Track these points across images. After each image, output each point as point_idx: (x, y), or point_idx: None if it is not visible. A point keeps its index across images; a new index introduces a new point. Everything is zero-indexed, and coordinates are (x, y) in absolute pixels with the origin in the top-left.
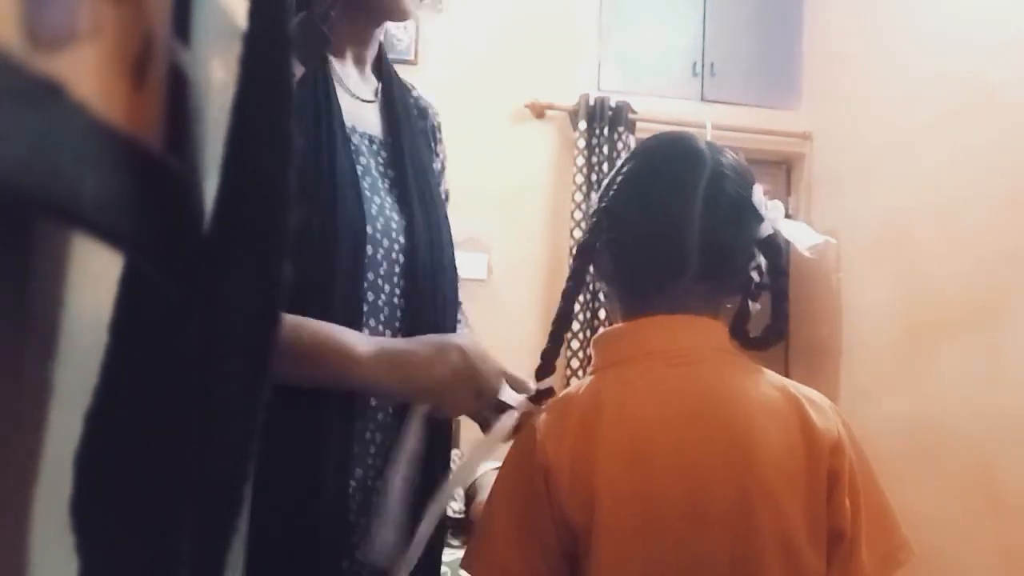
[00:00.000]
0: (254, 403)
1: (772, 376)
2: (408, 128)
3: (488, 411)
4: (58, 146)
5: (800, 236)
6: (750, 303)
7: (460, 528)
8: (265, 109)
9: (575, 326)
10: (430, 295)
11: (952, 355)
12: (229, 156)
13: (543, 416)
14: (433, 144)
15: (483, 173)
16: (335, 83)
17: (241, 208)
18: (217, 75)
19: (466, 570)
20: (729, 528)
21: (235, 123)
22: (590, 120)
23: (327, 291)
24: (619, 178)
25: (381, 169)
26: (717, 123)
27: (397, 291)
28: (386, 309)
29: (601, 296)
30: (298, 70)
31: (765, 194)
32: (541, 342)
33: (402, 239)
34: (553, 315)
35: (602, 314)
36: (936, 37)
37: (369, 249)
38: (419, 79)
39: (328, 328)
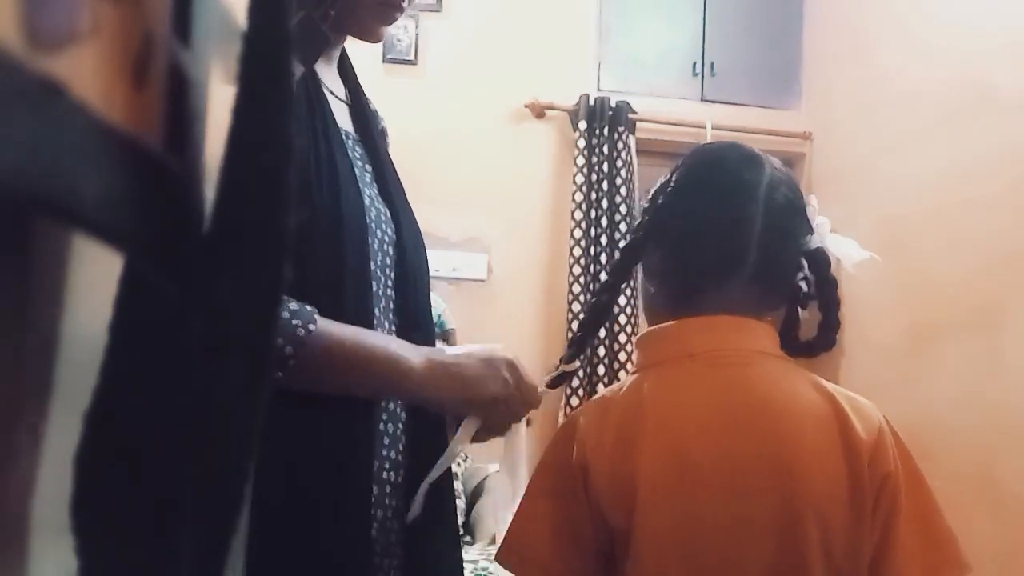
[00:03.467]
0: (254, 403)
1: (818, 380)
2: (375, 128)
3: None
4: (58, 146)
5: (847, 252)
6: (799, 310)
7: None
8: (265, 109)
9: (575, 326)
10: (416, 286)
11: (952, 355)
12: (229, 156)
13: (583, 413)
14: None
15: (483, 173)
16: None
17: (241, 208)
18: (217, 75)
19: (501, 564)
20: (772, 537)
21: (235, 123)
22: (590, 120)
23: (338, 283)
24: (675, 178)
25: (360, 164)
26: (717, 123)
27: (390, 282)
28: (383, 300)
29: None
30: (298, 70)
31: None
32: (541, 342)
33: (389, 231)
34: (570, 312)
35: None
36: (936, 38)
37: (368, 239)
38: (419, 79)
39: (373, 337)
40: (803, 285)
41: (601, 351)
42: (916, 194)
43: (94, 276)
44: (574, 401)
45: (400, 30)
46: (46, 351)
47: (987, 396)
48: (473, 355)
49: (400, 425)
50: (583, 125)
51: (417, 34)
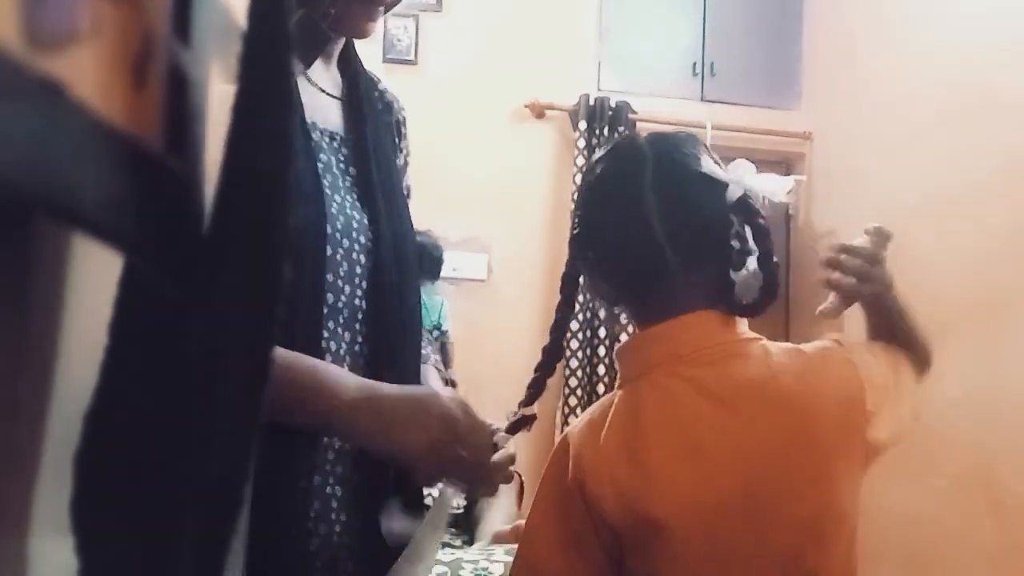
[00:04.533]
0: (253, 403)
1: (781, 348)
2: (373, 124)
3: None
4: (58, 146)
5: (771, 187)
6: (731, 272)
7: (459, 524)
8: (265, 109)
9: (574, 325)
10: (396, 294)
11: (952, 355)
12: (229, 156)
13: (574, 434)
14: (397, 139)
15: (483, 173)
16: (297, 75)
17: (241, 208)
18: (217, 75)
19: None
20: (788, 514)
21: (235, 123)
22: (590, 120)
23: (287, 293)
24: (579, 200)
25: (342, 167)
26: (717, 123)
27: (359, 292)
28: (345, 311)
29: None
30: (298, 70)
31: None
32: (541, 342)
33: (363, 239)
34: (550, 326)
35: (602, 314)
36: (936, 37)
37: (328, 250)
38: (419, 79)
39: (313, 368)
40: (735, 243)
41: (601, 351)
42: (916, 194)
43: (94, 276)
44: (572, 400)
45: (400, 30)
46: (46, 351)
47: (987, 396)
48: (408, 397)
49: (330, 453)
50: (583, 125)
51: (417, 34)
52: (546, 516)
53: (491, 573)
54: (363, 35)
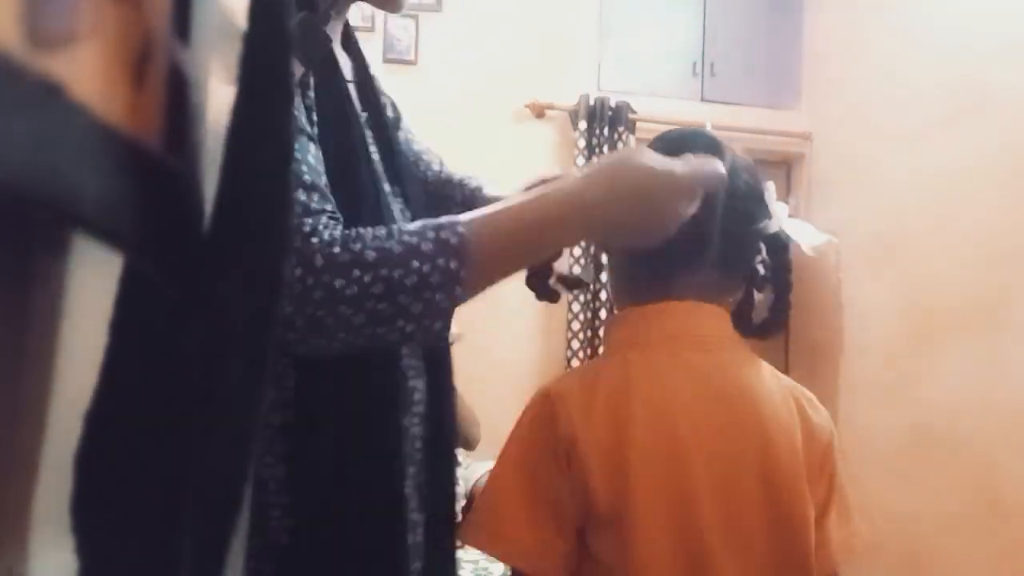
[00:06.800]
0: (254, 403)
1: (774, 370)
2: (380, 104)
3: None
4: (58, 146)
5: (804, 235)
6: (756, 293)
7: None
8: (265, 109)
9: (575, 326)
10: None
11: (952, 355)
12: (229, 156)
13: (562, 389)
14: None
15: (483, 173)
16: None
17: (241, 208)
18: (217, 76)
19: (468, 543)
20: (756, 510)
21: (235, 123)
22: (590, 120)
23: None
24: None
25: (372, 149)
26: (717, 123)
27: None
28: None
29: (603, 295)
30: (298, 70)
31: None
32: (541, 342)
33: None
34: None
35: (603, 314)
36: (936, 37)
37: None
38: (419, 79)
39: (519, 203)
40: (760, 268)
41: (602, 350)
42: (916, 194)
43: (94, 276)
44: None
45: (400, 30)
46: (46, 351)
47: (987, 396)
48: (593, 177)
49: (418, 443)
50: (583, 125)
51: (417, 34)
52: (517, 474)
53: (491, 573)
54: (394, 7)
